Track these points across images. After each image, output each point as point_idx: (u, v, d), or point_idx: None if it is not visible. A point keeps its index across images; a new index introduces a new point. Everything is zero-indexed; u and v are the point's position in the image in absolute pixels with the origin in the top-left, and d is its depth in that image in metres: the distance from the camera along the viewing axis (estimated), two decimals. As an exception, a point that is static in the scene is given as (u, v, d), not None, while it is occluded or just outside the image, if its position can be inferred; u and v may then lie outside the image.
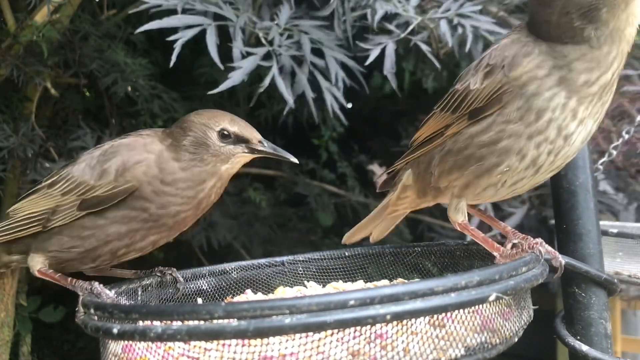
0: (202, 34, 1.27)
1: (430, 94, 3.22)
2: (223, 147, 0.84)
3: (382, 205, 0.97)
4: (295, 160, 0.88)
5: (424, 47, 1.37)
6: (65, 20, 1.73)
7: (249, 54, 1.26)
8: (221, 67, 1.23)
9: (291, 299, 0.44)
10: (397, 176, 0.94)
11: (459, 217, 0.83)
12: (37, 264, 0.85)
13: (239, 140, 0.85)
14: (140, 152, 0.83)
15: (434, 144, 0.86)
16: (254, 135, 0.86)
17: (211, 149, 0.83)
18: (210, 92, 1.28)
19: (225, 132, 0.84)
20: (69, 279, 0.82)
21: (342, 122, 1.52)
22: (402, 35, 1.35)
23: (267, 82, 1.24)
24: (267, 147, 0.86)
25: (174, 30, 1.28)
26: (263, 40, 1.28)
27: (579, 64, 0.74)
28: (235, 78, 1.22)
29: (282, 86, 1.25)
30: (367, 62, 1.32)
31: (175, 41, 1.25)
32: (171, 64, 1.21)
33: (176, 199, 0.82)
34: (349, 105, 3.14)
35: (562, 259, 0.74)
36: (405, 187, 0.92)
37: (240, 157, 0.86)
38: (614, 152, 1.14)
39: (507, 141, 0.76)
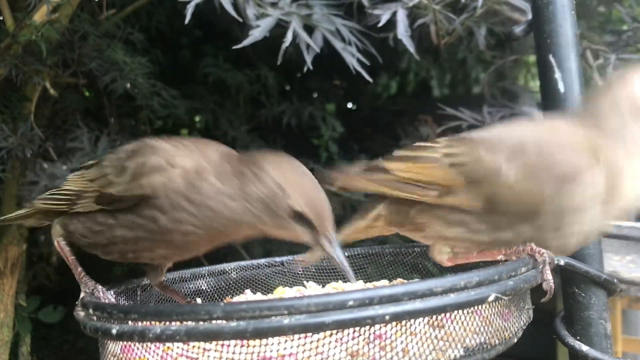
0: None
1: (429, 94, 3.23)
2: (285, 222, 0.69)
3: (350, 229, 0.82)
4: (354, 280, 0.70)
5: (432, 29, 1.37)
6: (65, 20, 1.72)
7: (263, 15, 1.25)
8: (239, 19, 1.23)
9: (290, 299, 0.44)
10: (370, 203, 0.81)
11: (443, 257, 0.75)
12: (57, 234, 0.83)
13: (308, 225, 0.69)
14: (160, 161, 0.74)
15: (427, 201, 0.73)
16: (326, 225, 0.69)
17: (272, 217, 0.69)
18: (234, 47, 1.27)
19: (299, 215, 0.68)
20: (79, 269, 0.79)
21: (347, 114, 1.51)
22: (411, 4, 1.34)
23: (289, 35, 1.23)
24: (333, 248, 0.69)
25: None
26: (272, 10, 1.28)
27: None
28: (256, 34, 1.22)
29: (305, 36, 1.25)
30: (380, 24, 1.31)
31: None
32: (186, 21, 1.20)
33: (194, 220, 0.71)
34: (350, 105, 3.15)
35: (552, 283, 0.68)
36: (379, 216, 0.80)
37: (293, 236, 0.71)
38: None
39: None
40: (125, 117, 2.22)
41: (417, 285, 0.46)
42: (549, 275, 0.63)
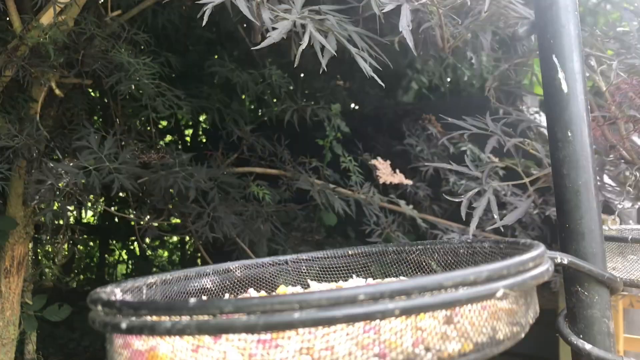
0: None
1: (430, 95, 3.25)
2: None
3: None
4: None
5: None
6: (71, 22, 1.73)
7: (278, 18, 1.27)
8: (256, 22, 1.25)
9: (301, 294, 0.45)
10: None
11: None
12: None
13: None
14: None
15: None
16: None
17: None
18: (253, 48, 1.29)
19: None
20: None
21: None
22: (418, 3, 1.35)
23: (306, 38, 1.25)
24: None
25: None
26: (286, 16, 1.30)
27: None
28: (274, 36, 1.23)
29: (322, 38, 1.26)
30: (385, 10, 1.32)
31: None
32: (203, 23, 1.22)
33: None
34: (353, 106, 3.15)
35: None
36: None
37: None
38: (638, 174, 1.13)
39: None
40: (131, 117, 2.24)
41: (427, 279, 0.47)
42: None
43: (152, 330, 0.50)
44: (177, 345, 0.54)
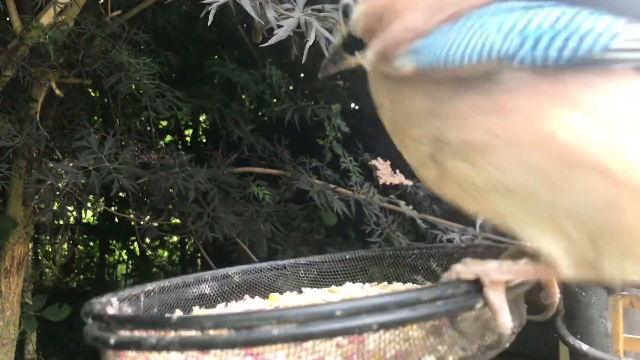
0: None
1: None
2: None
3: None
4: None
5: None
6: (71, 22, 1.74)
7: (282, 16, 1.28)
8: (261, 22, 1.26)
9: (278, 310, 0.45)
10: None
11: None
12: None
13: None
14: None
15: None
16: None
17: None
18: (260, 46, 1.32)
19: None
20: None
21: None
22: None
23: (312, 35, 1.26)
24: None
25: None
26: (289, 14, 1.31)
27: None
28: (281, 33, 1.25)
29: (326, 33, 1.28)
30: None
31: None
32: (209, 22, 1.22)
33: None
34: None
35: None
36: None
37: None
38: None
39: None
40: (131, 118, 2.24)
41: (404, 295, 0.47)
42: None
43: (138, 345, 0.50)
44: (169, 356, 0.54)
